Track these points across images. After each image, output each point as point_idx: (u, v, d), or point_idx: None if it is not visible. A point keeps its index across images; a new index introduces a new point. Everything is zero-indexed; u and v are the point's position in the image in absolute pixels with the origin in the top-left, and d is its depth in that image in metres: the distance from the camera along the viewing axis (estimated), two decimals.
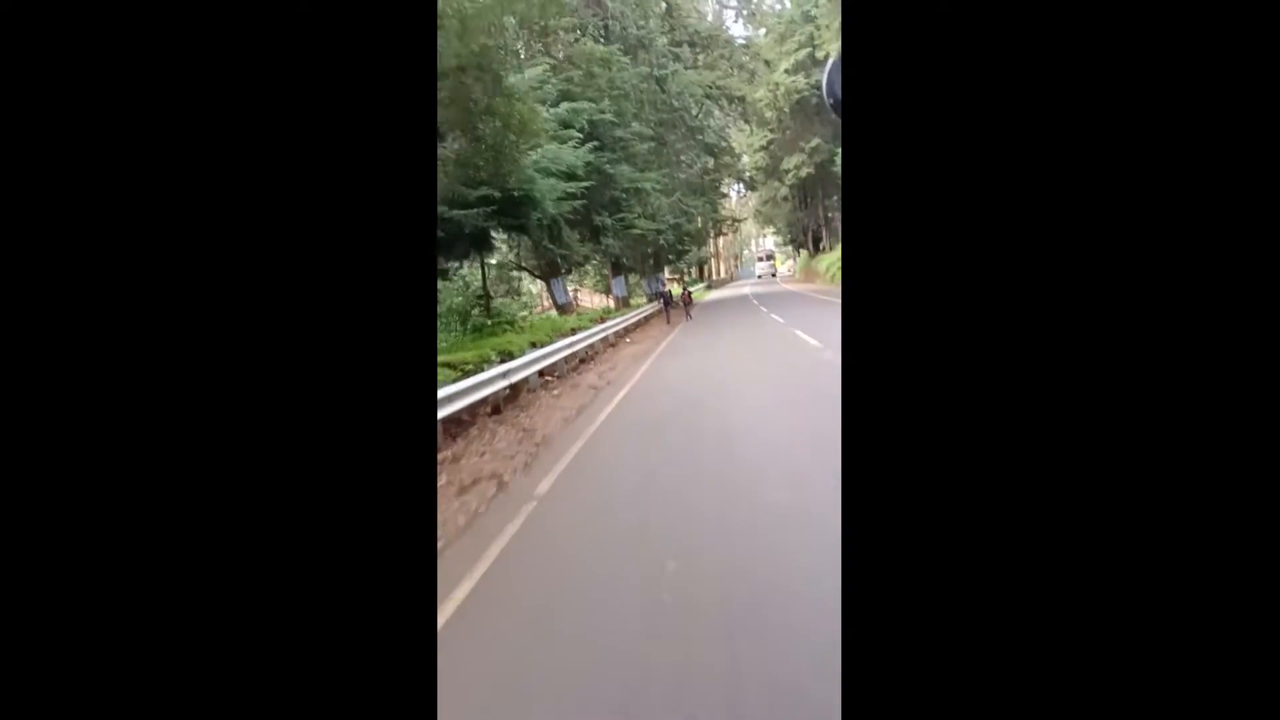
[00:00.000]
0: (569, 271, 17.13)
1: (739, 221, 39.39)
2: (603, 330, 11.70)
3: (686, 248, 26.95)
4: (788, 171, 27.83)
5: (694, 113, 21.92)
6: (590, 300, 26.21)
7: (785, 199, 33.53)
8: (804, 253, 35.41)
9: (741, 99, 23.98)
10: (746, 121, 28.14)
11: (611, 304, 21.96)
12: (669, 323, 16.44)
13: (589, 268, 22.81)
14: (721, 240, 49.46)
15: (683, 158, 22.73)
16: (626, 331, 14.35)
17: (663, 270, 26.33)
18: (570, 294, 16.90)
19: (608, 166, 14.62)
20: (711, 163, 25.72)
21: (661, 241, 20.54)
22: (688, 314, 16.86)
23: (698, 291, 33.91)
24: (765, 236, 51.56)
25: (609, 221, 15.47)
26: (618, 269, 22.32)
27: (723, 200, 32.75)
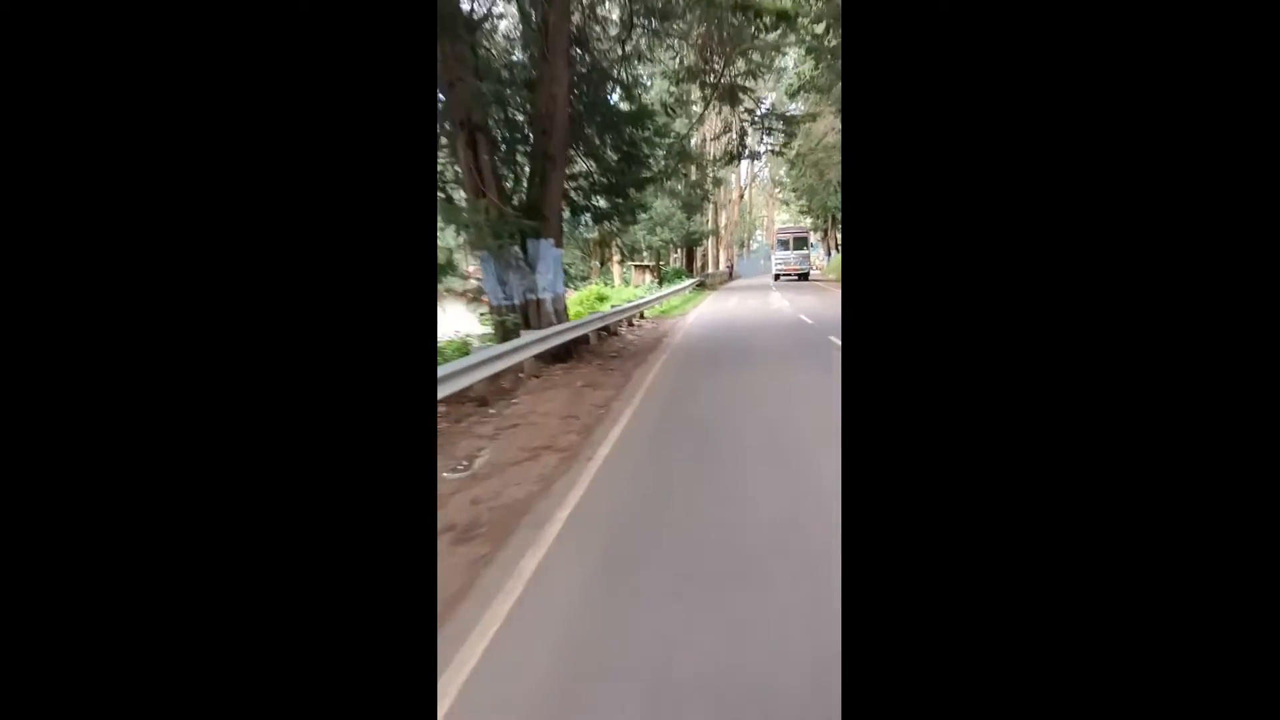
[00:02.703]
0: None
1: (785, 148, 18.31)
2: None
3: (634, 188, 9.08)
4: None
5: None
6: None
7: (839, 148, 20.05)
8: None
9: None
10: None
11: None
12: None
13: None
14: (724, 219, 35.27)
15: None
16: None
17: (603, 253, 9.22)
18: None
19: None
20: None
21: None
22: None
23: (679, 299, 16.88)
24: (782, 219, 37.36)
25: None
26: None
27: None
